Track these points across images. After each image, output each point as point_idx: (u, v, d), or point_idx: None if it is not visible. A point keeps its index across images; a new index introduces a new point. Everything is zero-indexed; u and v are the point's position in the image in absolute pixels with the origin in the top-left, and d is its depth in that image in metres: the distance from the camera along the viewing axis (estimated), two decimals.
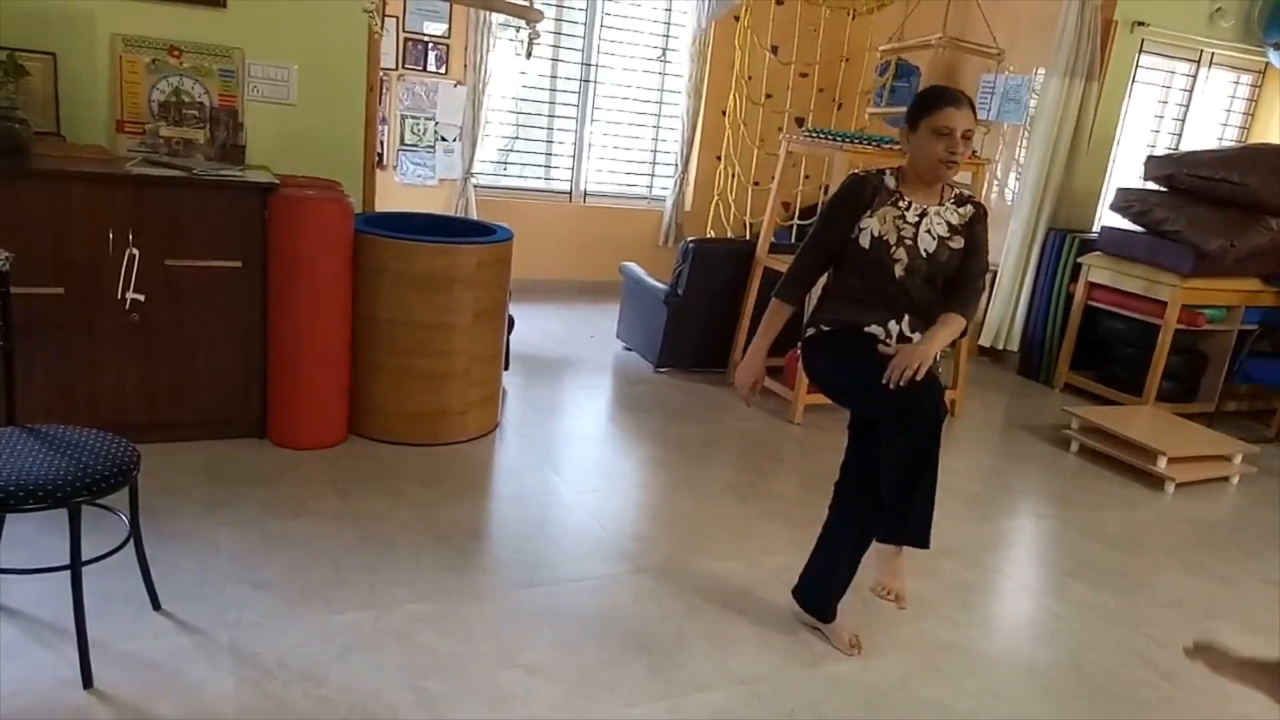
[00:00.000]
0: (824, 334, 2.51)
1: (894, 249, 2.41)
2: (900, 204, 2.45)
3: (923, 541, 2.37)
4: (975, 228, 2.50)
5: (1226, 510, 4.26)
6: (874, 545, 2.49)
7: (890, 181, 2.49)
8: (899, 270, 2.42)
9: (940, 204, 2.48)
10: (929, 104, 2.42)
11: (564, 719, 2.25)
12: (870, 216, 2.43)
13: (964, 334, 2.64)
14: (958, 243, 2.47)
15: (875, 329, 2.44)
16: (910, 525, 2.36)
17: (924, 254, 2.43)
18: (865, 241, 2.43)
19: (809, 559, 2.76)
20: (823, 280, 2.66)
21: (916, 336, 2.43)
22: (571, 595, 2.81)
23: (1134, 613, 3.12)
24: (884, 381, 2.25)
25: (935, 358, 2.44)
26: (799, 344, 2.62)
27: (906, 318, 2.44)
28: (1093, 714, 2.54)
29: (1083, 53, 5.57)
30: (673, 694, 2.39)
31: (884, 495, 2.39)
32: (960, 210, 2.50)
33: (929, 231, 2.44)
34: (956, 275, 2.49)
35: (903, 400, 2.26)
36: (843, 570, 2.69)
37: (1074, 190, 5.87)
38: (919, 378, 2.25)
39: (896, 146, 5.05)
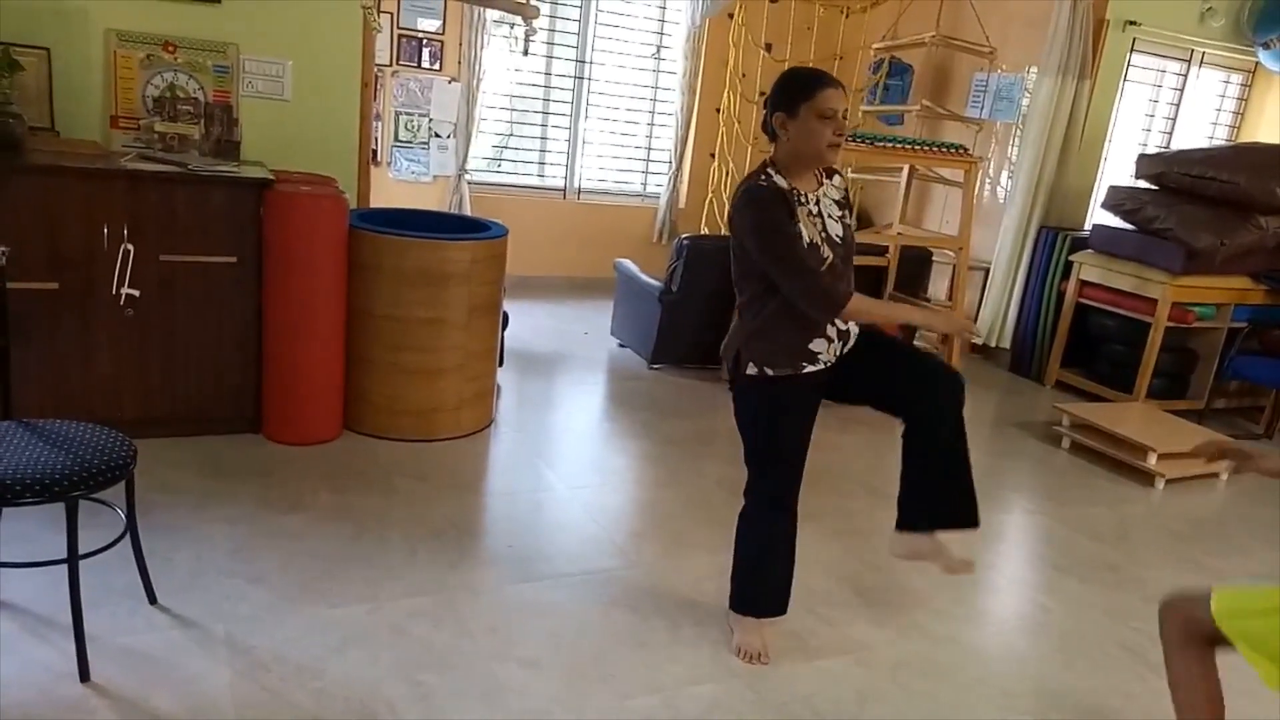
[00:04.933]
0: (767, 379, 2.40)
1: (821, 248, 2.34)
2: (804, 200, 2.36)
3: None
4: (848, 197, 2.51)
5: (1215, 506, 4.29)
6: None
7: (781, 181, 2.34)
8: (825, 268, 2.34)
9: (819, 185, 2.42)
10: (807, 87, 2.28)
11: (559, 712, 2.27)
12: (796, 224, 2.32)
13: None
14: (849, 217, 2.47)
15: (818, 344, 2.39)
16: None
17: (838, 240, 2.39)
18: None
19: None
20: (746, 300, 2.48)
21: (851, 327, 2.44)
22: (566, 590, 2.83)
23: (1123, 607, 3.15)
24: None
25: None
26: (735, 377, 2.47)
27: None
28: (1082, 706, 2.56)
29: (1075, 51, 5.60)
30: (667, 687, 2.41)
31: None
32: (834, 183, 2.47)
33: (830, 216, 2.40)
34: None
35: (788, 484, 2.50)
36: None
37: (1066, 188, 5.90)
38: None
39: (890, 145, 5.09)
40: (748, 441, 2.54)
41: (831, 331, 2.40)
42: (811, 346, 2.39)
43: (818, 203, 2.39)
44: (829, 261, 2.34)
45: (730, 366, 2.51)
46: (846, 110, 2.32)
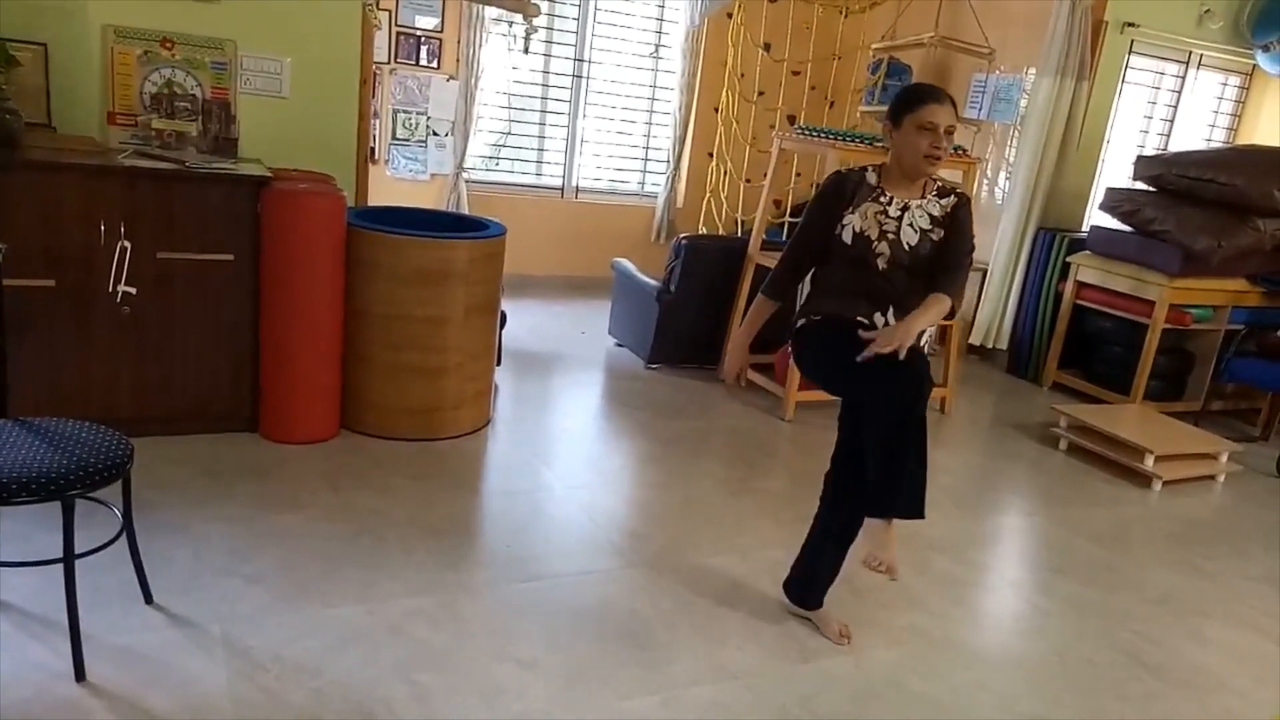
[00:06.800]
0: (813, 324, 2.57)
1: (876, 243, 2.47)
2: (882, 199, 2.51)
3: (916, 510, 2.35)
4: (958, 213, 2.54)
5: (1212, 508, 4.30)
6: (865, 522, 2.50)
7: (871, 177, 2.56)
8: (881, 264, 2.47)
9: (922, 198, 2.53)
10: (913, 100, 2.48)
11: (557, 712, 2.26)
12: (853, 213, 2.50)
13: (952, 315, 2.69)
14: (939, 234, 2.51)
15: (861, 319, 2.48)
16: (899, 495, 2.34)
17: (906, 246, 2.47)
18: (847, 237, 2.49)
19: (801, 550, 2.80)
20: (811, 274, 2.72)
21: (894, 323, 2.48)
22: (564, 590, 2.82)
23: (1120, 608, 3.15)
24: (858, 360, 2.29)
25: (924, 342, 2.49)
26: (790, 336, 2.67)
27: (891, 308, 2.48)
28: (1079, 708, 2.56)
29: (1073, 53, 5.60)
30: (665, 688, 2.40)
31: (871, 473, 2.39)
32: (942, 202, 2.54)
33: (911, 225, 2.49)
34: (939, 256, 2.51)
35: (884, 377, 2.30)
36: (830, 559, 2.74)
37: (1063, 190, 5.91)
38: (900, 357, 2.26)
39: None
40: (821, 383, 2.67)
41: (880, 321, 2.47)
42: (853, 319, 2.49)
43: (904, 208, 2.50)
44: (883, 258, 2.46)
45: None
46: (952, 127, 2.45)
